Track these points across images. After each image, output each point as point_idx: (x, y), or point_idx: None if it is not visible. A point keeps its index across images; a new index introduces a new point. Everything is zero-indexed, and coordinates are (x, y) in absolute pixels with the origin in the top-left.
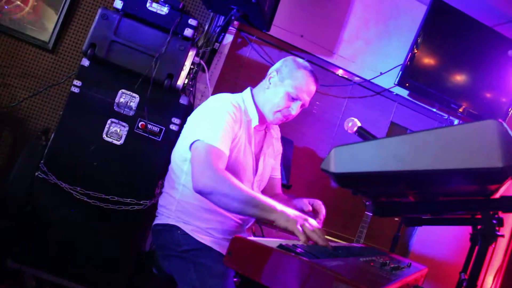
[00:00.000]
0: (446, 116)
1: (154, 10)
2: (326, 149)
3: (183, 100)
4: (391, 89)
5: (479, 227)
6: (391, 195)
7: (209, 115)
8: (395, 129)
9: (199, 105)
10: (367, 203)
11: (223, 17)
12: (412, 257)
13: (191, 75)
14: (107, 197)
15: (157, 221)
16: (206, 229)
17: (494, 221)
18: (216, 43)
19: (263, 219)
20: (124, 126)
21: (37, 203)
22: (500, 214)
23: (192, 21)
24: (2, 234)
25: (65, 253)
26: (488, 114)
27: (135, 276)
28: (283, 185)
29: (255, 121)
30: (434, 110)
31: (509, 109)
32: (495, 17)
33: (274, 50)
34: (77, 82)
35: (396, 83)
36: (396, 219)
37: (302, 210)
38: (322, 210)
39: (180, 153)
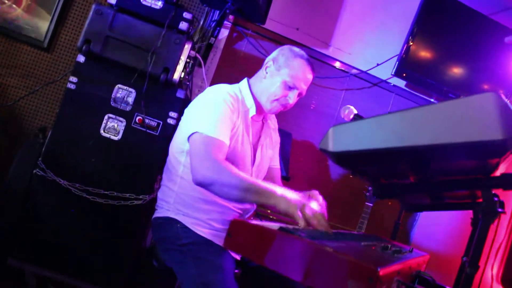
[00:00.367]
0: None
1: (148, 5)
2: None
3: (180, 94)
4: (388, 80)
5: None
6: (391, 176)
7: (207, 106)
8: None
9: None
10: (367, 193)
11: (218, 12)
12: (413, 247)
13: (187, 69)
14: (106, 192)
15: (157, 214)
16: (206, 220)
17: (495, 198)
18: (212, 38)
19: (264, 204)
20: (121, 121)
21: (36, 200)
22: (501, 198)
23: (187, 15)
24: (1, 232)
25: (65, 249)
26: None
27: (136, 271)
28: (282, 177)
29: (252, 111)
30: (432, 100)
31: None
32: (491, 5)
33: (270, 43)
34: (73, 79)
35: (393, 73)
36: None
37: None
38: (319, 199)
39: (178, 145)
